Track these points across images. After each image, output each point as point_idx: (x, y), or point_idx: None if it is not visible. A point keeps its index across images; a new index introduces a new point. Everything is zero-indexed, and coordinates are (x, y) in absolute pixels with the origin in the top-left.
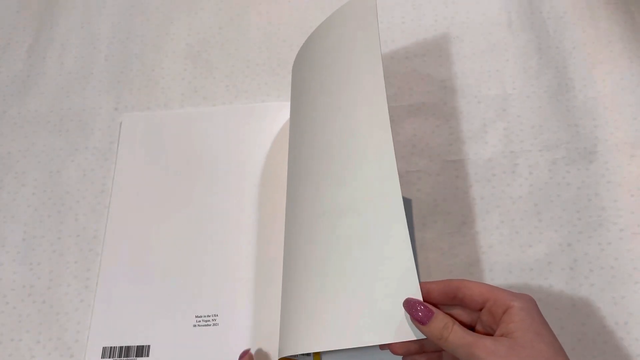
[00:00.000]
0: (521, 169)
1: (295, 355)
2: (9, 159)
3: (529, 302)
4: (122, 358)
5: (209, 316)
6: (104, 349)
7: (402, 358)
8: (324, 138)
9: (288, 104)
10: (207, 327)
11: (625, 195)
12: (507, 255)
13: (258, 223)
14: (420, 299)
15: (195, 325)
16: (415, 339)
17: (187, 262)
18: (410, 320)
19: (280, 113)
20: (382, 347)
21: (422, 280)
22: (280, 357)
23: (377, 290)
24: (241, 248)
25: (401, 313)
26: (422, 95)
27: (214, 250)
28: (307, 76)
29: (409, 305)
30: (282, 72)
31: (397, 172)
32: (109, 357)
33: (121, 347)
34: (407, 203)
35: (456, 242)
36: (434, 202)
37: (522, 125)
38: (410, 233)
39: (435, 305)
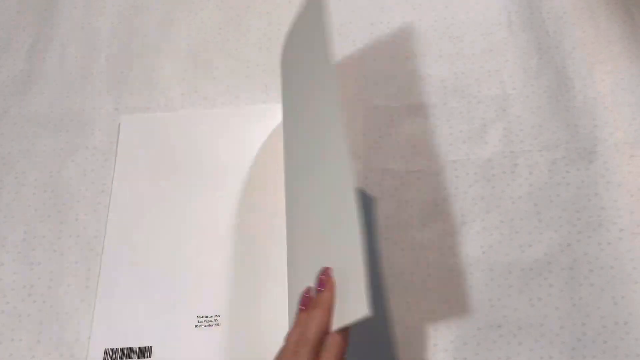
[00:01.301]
0: (521, 169)
1: None
2: (9, 159)
3: None
4: (124, 359)
5: (211, 316)
6: (106, 350)
7: None
8: (303, 145)
9: None
10: (209, 327)
11: (625, 195)
12: (507, 255)
13: (258, 223)
14: (364, 286)
15: (197, 326)
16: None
17: (188, 262)
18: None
19: (280, 114)
20: None
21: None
22: None
23: (338, 281)
24: (241, 247)
25: (349, 298)
26: (422, 95)
27: (215, 250)
28: (286, 84)
29: None
30: None
31: (351, 177)
32: (111, 359)
33: (123, 349)
34: (370, 201)
35: (456, 242)
36: (434, 202)
37: (522, 125)
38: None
39: None
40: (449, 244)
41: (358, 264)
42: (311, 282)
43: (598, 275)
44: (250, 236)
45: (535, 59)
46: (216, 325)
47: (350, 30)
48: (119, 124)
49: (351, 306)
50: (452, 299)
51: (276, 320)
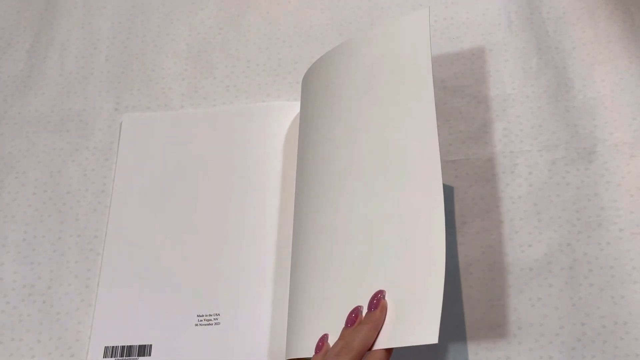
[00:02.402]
0: (521, 169)
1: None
2: (9, 159)
3: None
4: (124, 357)
5: (211, 315)
6: (106, 348)
7: None
8: (363, 147)
9: (288, 104)
10: (208, 326)
11: (625, 195)
12: (507, 255)
13: (259, 223)
14: (439, 309)
15: (197, 325)
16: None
17: (188, 261)
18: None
19: (280, 113)
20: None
21: None
22: (288, 358)
23: (401, 300)
24: (242, 247)
25: (415, 321)
26: None
27: (215, 249)
28: (338, 87)
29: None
30: (282, 72)
31: (442, 188)
32: (111, 357)
33: (123, 347)
34: (450, 190)
35: (456, 242)
36: None
37: (522, 125)
38: (452, 225)
39: None
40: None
41: (434, 292)
42: (324, 287)
43: (598, 275)
44: (251, 235)
45: (535, 59)
46: (216, 324)
47: (351, 30)
48: (121, 123)
49: (414, 329)
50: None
51: (276, 320)
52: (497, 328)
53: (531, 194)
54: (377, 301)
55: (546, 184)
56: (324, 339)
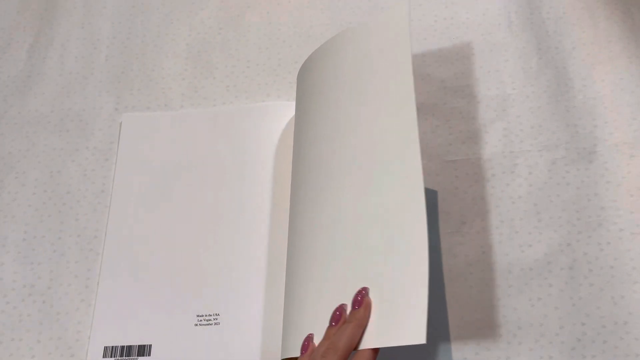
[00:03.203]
0: (521, 169)
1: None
2: (9, 159)
3: None
4: (124, 357)
5: (210, 315)
6: (106, 348)
7: None
8: (348, 146)
9: (288, 104)
10: (208, 326)
11: (625, 195)
12: (506, 255)
13: (258, 223)
14: (425, 309)
15: (196, 325)
16: (424, 342)
17: (188, 261)
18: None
19: (280, 113)
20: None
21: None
22: (284, 357)
23: (387, 299)
24: (241, 247)
25: (402, 320)
26: (422, 95)
27: (215, 249)
28: (326, 84)
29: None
30: (282, 72)
31: (423, 185)
32: (111, 357)
33: (122, 347)
34: (433, 194)
35: (456, 242)
36: (434, 202)
37: (522, 125)
38: (435, 227)
39: None
40: (449, 244)
41: (419, 292)
42: (316, 287)
43: (598, 275)
44: (251, 235)
45: (535, 59)
46: (215, 324)
47: None
48: (120, 123)
49: (401, 329)
50: (451, 299)
51: (275, 319)
52: (497, 328)
53: (531, 194)
54: (361, 298)
55: (546, 184)
56: (309, 338)
